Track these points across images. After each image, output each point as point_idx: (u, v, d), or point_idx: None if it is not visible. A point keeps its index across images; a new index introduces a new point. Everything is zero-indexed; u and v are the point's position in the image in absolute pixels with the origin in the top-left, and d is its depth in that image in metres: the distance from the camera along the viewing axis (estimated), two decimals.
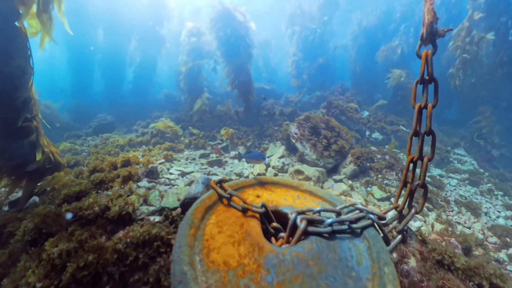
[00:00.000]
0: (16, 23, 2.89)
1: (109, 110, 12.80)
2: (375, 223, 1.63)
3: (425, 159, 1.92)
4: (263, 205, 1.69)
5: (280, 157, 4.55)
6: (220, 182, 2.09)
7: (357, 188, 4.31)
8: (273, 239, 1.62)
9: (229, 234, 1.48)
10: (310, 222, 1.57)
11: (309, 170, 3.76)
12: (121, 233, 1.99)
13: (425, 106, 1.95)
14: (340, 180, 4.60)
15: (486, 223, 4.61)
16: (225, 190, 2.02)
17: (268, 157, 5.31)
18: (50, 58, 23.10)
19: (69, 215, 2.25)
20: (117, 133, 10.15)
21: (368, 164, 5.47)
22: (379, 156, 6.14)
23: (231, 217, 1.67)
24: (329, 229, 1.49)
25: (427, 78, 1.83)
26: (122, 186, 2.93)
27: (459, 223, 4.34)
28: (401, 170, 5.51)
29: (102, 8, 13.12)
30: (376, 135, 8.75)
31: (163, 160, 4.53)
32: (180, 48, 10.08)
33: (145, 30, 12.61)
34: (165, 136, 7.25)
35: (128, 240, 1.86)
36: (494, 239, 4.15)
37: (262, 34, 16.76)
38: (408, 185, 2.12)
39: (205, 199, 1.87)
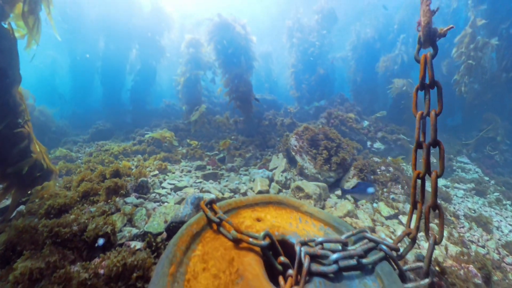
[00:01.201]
0: (3, 23, 2.71)
1: (108, 118, 12.76)
2: (388, 256, 1.38)
3: (434, 175, 1.72)
4: (267, 235, 1.38)
5: (283, 171, 4.32)
6: (211, 203, 1.86)
7: (363, 205, 4.03)
8: (280, 278, 1.27)
9: (214, 273, 1.22)
10: (312, 257, 1.31)
11: (310, 187, 3.52)
12: (96, 261, 1.75)
13: (428, 114, 1.79)
14: (343, 196, 4.34)
15: (499, 240, 4.31)
16: (215, 213, 1.80)
17: (271, 170, 5.09)
18: (52, 63, 23.49)
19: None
20: (114, 140, 10.00)
21: (372, 177, 5.23)
22: (383, 168, 5.90)
23: (219, 248, 1.42)
24: (334, 267, 1.24)
25: (428, 83, 1.69)
26: (108, 201, 2.73)
27: (472, 241, 4.02)
28: (407, 183, 5.26)
29: (104, 16, 13.45)
30: (378, 145, 8.56)
31: (156, 172, 4.30)
32: (179, 60, 10.15)
33: (145, 40, 12.82)
34: (162, 145, 7.07)
35: (101, 270, 1.61)
36: (510, 258, 3.84)
37: (264, 47, 17.13)
38: (418, 205, 1.90)
39: (192, 224, 1.63)
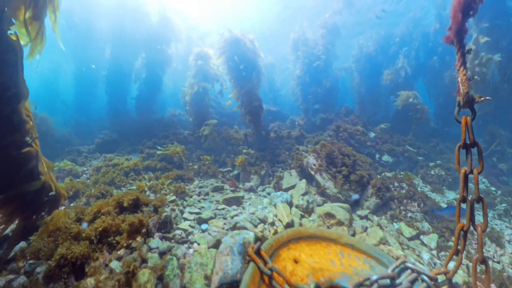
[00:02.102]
0: (7, 33, 2.40)
1: (113, 127, 12.56)
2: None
3: (479, 230, 1.72)
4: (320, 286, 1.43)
5: (304, 194, 4.22)
6: (259, 250, 1.80)
7: (386, 227, 4.00)
8: None
9: None
10: None
11: (340, 212, 3.45)
12: None
13: (471, 172, 1.81)
14: (366, 217, 4.29)
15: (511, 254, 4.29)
16: (264, 261, 1.74)
17: (285, 189, 4.98)
18: (56, 69, 23.32)
19: None
20: (121, 152, 9.81)
21: (388, 195, 5.18)
22: (396, 184, 5.90)
23: None
24: None
25: (469, 143, 1.70)
26: (130, 242, 2.46)
27: (488, 257, 4.04)
28: (423, 201, 5.23)
29: (111, 25, 13.45)
30: (386, 157, 8.55)
31: (174, 197, 4.10)
32: (188, 72, 10.14)
33: (152, 49, 12.82)
34: (173, 160, 6.90)
35: None
36: None
37: (268, 58, 17.31)
38: (460, 255, 1.87)
39: (249, 286, 1.53)
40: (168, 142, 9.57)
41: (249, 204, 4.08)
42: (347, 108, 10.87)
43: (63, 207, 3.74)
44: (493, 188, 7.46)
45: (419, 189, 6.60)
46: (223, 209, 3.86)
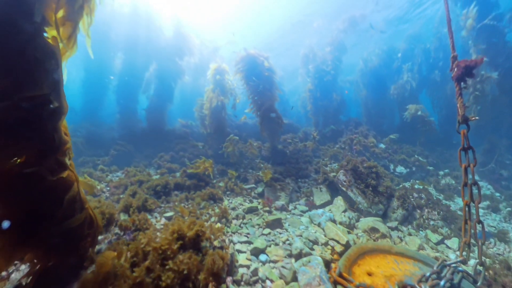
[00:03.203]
0: (44, 34, 1.98)
1: (124, 138, 12.45)
2: (463, 273, 2.06)
3: (476, 203, 2.36)
4: (404, 286, 1.91)
5: (344, 211, 4.37)
6: (341, 275, 2.03)
7: (416, 235, 4.36)
8: None
9: None
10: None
11: (381, 226, 3.82)
12: None
13: (469, 165, 2.50)
14: (396, 228, 4.56)
15: None
16: (350, 282, 2.00)
17: (319, 206, 5.11)
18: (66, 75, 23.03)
19: None
20: (137, 165, 9.69)
21: (411, 206, 5.40)
22: (415, 195, 6.18)
23: None
24: None
25: (466, 147, 2.49)
26: None
27: (499, 254, 4.43)
28: (441, 208, 5.53)
29: (124, 34, 13.56)
30: (401, 169, 8.79)
31: (219, 224, 3.83)
32: (206, 88, 10.36)
33: (165, 61, 13.01)
34: (201, 176, 6.89)
35: None
36: None
37: (278, 71, 17.80)
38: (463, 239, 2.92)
39: None
40: (188, 155, 9.61)
41: (288, 225, 4.08)
42: (356, 120, 11.23)
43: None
44: (497, 194, 7.84)
45: (434, 197, 6.87)
46: (269, 233, 3.68)
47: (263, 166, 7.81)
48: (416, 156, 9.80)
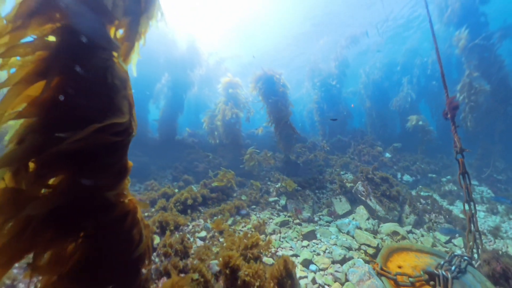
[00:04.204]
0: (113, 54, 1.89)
1: (137, 148, 12.52)
2: (469, 262, 2.82)
3: (467, 183, 3.45)
4: (426, 272, 2.59)
5: (367, 219, 4.85)
6: (382, 269, 2.53)
7: (429, 236, 4.99)
8: None
9: None
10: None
11: (400, 230, 4.52)
12: None
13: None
14: (410, 231, 5.19)
15: None
16: (389, 273, 2.52)
17: (342, 216, 5.54)
18: None
19: None
20: (155, 177, 9.85)
21: (421, 211, 5.94)
22: (423, 201, 6.79)
23: None
24: (455, 274, 2.63)
25: (464, 171, 3.35)
26: None
27: (499, 249, 5.00)
28: (446, 213, 6.08)
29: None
30: (407, 177, 9.36)
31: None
32: (217, 100, 10.81)
33: (177, 72, 13.43)
34: (220, 187, 7.20)
35: None
36: None
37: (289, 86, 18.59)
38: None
39: None
40: (204, 166, 9.91)
41: (320, 235, 4.49)
42: (361, 131, 11.87)
43: None
44: (493, 195, 8.46)
45: (439, 203, 7.45)
46: (308, 245, 4.04)
47: (280, 177, 8.15)
48: (418, 163, 10.46)
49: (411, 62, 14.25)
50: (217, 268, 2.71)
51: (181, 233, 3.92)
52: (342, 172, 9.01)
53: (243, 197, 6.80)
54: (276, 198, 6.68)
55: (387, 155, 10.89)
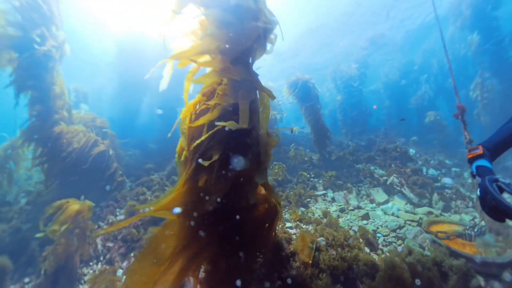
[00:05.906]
0: None
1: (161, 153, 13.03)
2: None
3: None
4: (452, 234, 4.06)
5: (405, 204, 6.27)
6: (436, 234, 3.92)
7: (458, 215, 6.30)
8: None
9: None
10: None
11: (433, 211, 6.17)
12: None
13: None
14: (440, 214, 6.32)
15: None
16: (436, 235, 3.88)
17: (382, 203, 6.92)
18: (100, 89, 24.17)
19: None
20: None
21: (448, 198, 7.26)
22: (449, 191, 8.06)
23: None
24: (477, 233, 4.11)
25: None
26: None
27: None
28: (471, 199, 7.36)
29: (159, 54, 14.65)
30: (432, 171, 10.57)
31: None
32: None
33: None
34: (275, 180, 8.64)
35: None
36: None
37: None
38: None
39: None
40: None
41: (372, 217, 5.96)
42: (384, 128, 13.11)
43: None
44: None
45: (463, 194, 8.70)
46: (367, 224, 5.48)
47: (322, 173, 9.50)
48: (441, 158, 11.65)
49: (428, 61, 15.29)
50: (323, 243, 4.22)
51: None
52: (371, 167, 10.32)
53: (291, 193, 8.23)
54: (324, 191, 8.08)
55: (412, 151, 12.09)
